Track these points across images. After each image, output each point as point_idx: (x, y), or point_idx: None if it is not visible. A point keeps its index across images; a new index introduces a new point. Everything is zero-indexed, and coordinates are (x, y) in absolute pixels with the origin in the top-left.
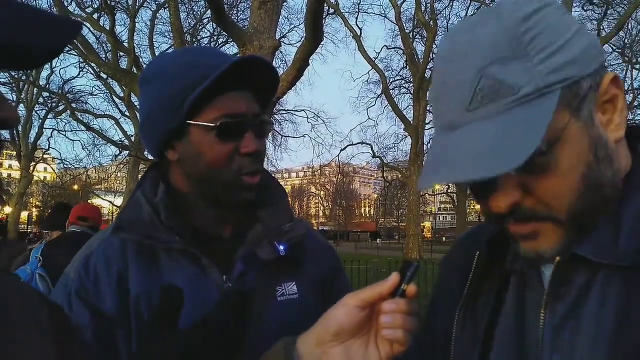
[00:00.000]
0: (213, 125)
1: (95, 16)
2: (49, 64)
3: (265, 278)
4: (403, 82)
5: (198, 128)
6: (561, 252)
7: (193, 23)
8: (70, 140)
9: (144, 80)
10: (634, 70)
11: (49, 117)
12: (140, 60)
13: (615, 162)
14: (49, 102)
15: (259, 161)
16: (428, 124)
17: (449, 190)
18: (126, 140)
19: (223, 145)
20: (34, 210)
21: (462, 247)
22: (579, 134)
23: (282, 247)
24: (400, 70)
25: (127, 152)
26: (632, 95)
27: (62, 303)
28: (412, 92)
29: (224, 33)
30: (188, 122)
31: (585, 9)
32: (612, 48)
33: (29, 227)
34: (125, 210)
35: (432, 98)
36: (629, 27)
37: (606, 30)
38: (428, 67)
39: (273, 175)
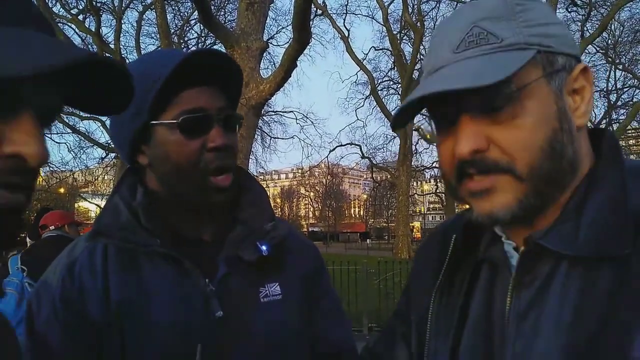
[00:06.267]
0: (175, 121)
1: (81, 17)
2: None
3: (248, 279)
4: (391, 82)
5: (162, 127)
6: (515, 215)
7: (180, 24)
8: (56, 142)
9: None
10: (617, 70)
11: None
12: (127, 61)
13: (576, 142)
14: None
15: (229, 157)
16: (416, 124)
17: (438, 190)
18: (112, 143)
19: (188, 142)
20: None
21: (437, 236)
22: (548, 98)
23: (264, 247)
24: (388, 71)
25: (114, 154)
26: (615, 95)
27: (46, 309)
28: (400, 92)
29: (211, 34)
30: (152, 122)
31: (569, 10)
32: (595, 49)
33: None
34: (103, 214)
35: (426, 52)
36: (612, 28)
37: (589, 31)
38: (416, 67)
39: (262, 176)
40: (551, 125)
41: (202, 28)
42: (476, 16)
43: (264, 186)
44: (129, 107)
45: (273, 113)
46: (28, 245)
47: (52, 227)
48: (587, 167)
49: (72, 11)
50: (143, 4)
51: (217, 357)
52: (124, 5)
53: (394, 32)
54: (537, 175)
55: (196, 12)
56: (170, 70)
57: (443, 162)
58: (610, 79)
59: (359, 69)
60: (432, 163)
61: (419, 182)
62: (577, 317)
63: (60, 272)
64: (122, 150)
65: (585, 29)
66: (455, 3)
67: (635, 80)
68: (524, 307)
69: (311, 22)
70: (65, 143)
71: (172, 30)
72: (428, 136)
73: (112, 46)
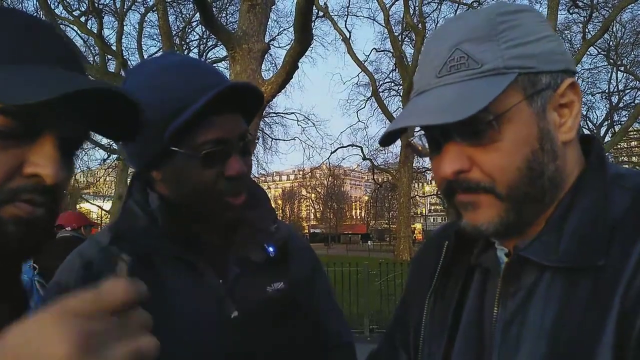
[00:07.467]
0: (197, 153)
1: (83, 19)
2: None
3: (257, 280)
4: (392, 84)
5: (182, 154)
6: (497, 229)
7: (182, 26)
8: None
9: None
10: (618, 72)
11: None
12: (129, 63)
13: (559, 159)
14: None
15: (244, 183)
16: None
17: (439, 192)
18: (114, 144)
19: (207, 170)
20: None
21: (432, 243)
22: (529, 120)
23: (271, 249)
24: (390, 73)
25: (116, 156)
26: (617, 96)
27: None
28: (401, 94)
29: (213, 36)
30: (172, 148)
31: (571, 12)
32: (597, 50)
33: None
34: (120, 220)
35: (416, 69)
36: (614, 29)
37: (591, 32)
38: (417, 69)
39: (263, 178)
40: (530, 147)
41: (203, 30)
42: (459, 37)
43: (265, 187)
44: (146, 130)
45: (274, 115)
46: None
47: (68, 228)
48: (575, 176)
49: (74, 13)
50: (145, 5)
51: (232, 356)
52: (125, 7)
53: (396, 34)
54: (516, 195)
55: (198, 14)
56: (202, 103)
57: (436, 176)
58: (612, 81)
59: (361, 70)
60: None
61: (420, 184)
62: (557, 327)
63: (77, 271)
64: (134, 164)
65: (587, 30)
66: (457, 5)
67: (637, 82)
68: (508, 316)
69: (312, 24)
70: None
71: (174, 32)
72: (420, 148)
73: (113, 48)
